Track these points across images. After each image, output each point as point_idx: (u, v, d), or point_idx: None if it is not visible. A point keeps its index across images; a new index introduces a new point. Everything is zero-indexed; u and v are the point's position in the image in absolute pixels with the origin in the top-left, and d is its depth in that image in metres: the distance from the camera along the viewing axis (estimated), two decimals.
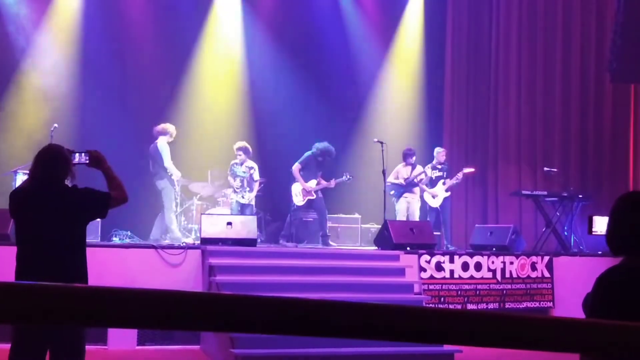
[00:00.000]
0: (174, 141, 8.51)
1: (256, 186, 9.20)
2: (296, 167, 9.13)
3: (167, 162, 8.45)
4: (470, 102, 11.81)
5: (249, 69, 11.61)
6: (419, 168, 9.59)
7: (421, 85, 12.22)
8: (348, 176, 9.25)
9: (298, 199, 9.09)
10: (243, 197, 9.02)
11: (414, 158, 9.59)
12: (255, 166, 9.20)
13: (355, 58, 12.05)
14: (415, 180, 9.51)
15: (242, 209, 9.00)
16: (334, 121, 11.68)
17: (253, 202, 9.29)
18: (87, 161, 3.63)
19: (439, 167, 9.79)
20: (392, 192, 9.45)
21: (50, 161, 3.52)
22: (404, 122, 12.00)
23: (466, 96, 11.84)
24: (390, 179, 9.48)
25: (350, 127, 11.94)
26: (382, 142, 8.94)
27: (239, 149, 9.11)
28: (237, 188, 8.99)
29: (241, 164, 9.06)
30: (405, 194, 9.54)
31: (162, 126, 8.55)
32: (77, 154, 3.63)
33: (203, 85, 11.11)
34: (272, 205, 10.82)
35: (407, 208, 9.52)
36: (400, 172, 9.62)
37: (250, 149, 9.22)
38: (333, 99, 11.82)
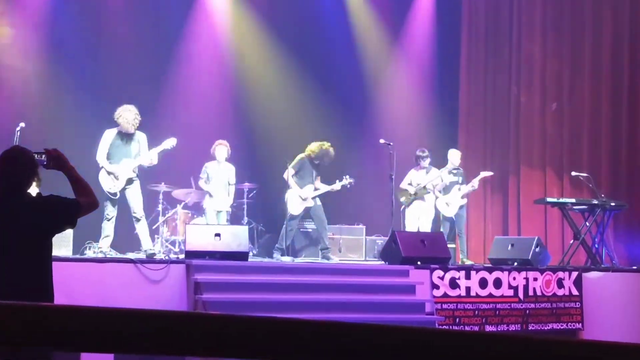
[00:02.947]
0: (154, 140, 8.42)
1: (232, 191, 9.12)
2: (289, 172, 9.09)
3: (98, 154, 7.73)
4: (488, 99, 11.82)
5: (240, 61, 11.62)
6: (434, 172, 9.57)
7: (433, 80, 12.23)
8: (349, 180, 9.21)
9: (294, 207, 9.07)
10: (220, 204, 8.92)
11: (427, 161, 9.56)
12: (233, 168, 9.10)
13: (360, 50, 12.06)
14: (429, 186, 9.48)
15: (219, 218, 8.91)
16: (336, 120, 11.66)
17: (229, 210, 9.17)
18: (45, 162, 3.56)
19: (454, 171, 9.78)
20: (402, 199, 9.43)
21: (13, 166, 3.50)
22: (414, 121, 12.00)
23: (484, 92, 11.84)
24: (403, 184, 9.46)
25: (354, 126, 11.92)
26: (389, 143, 8.92)
27: (218, 147, 8.96)
28: (213, 193, 8.88)
29: (218, 165, 8.97)
30: (417, 201, 9.53)
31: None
32: (34, 155, 3.54)
33: (187, 80, 11.10)
34: (265, 214, 10.78)
35: (418, 217, 9.51)
36: (413, 177, 9.60)
37: (229, 149, 9.07)
38: (335, 95, 11.80)
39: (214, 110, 11.09)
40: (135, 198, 7.77)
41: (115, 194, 7.68)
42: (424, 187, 9.46)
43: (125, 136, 7.80)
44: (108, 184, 7.67)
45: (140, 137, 7.91)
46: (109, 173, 7.68)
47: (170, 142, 7.96)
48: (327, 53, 11.85)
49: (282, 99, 11.61)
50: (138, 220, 7.74)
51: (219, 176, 8.95)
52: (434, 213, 9.61)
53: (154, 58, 10.90)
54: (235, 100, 11.47)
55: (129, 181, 7.72)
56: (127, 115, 7.75)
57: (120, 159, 7.75)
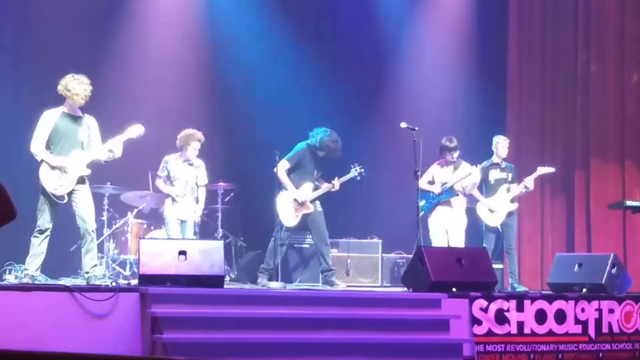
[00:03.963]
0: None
1: (203, 194, 9.08)
2: (283, 166, 9.04)
3: (32, 143, 7.63)
4: (547, 69, 11.77)
5: (216, 21, 11.57)
6: (464, 167, 9.55)
7: (472, 45, 12.20)
8: (358, 170, 9.19)
9: (288, 216, 9.03)
10: (186, 211, 8.83)
11: (456, 153, 9.55)
12: (202, 164, 9.04)
13: (376, 8, 12.04)
14: (458, 186, 9.47)
15: (185, 230, 8.83)
16: (344, 100, 11.63)
17: (198, 219, 9.12)
18: None
19: (501, 165, 9.77)
20: (422, 203, 9.41)
21: None
22: (445, 101, 11.97)
23: (541, 59, 11.80)
24: (422, 183, 9.43)
25: (366, 106, 11.90)
26: (413, 129, 8.91)
27: (193, 144, 8.85)
28: (177, 196, 8.77)
29: (187, 161, 8.87)
30: (441, 207, 9.51)
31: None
32: None
33: (143, 48, 11.07)
34: (246, 225, 10.76)
35: (446, 228, 9.49)
36: (436, 174, 9.59)
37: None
38: (342, 67, 11.78)
39: (177, 87, 11.07)
40: (86, 204, 7.67)
41: (62, 198, 7.54)
42: (451, 187, 9.45)
43: (72, 119, 7.73)
44: (54, 182, 7.53)
45: (90, 122, 7.83)
46: (54, 168, 7.59)
47: (136, 130, 7.86)
48: (332, 12, 11.83)
49: (272, 72, 11.57)
50: (90, 235, 7.66)
51: (185, 175, 8.87)
52: (466, 221, 9.59)
53: (98, 19, 10.86)
54: (206, 73, 11.43)
55: (80, 180, 7.64)
56: (76, 87, 7.63)
57: (68, 150, 7.64)
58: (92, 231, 7.69)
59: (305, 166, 9.12)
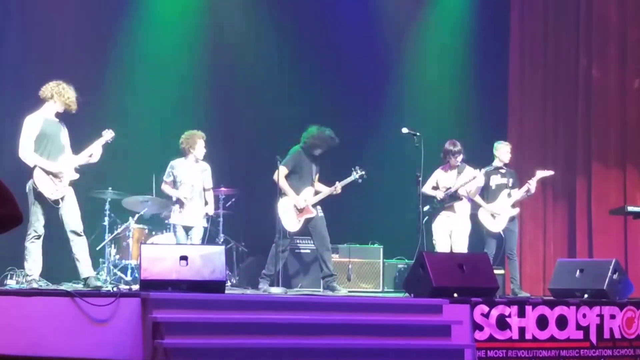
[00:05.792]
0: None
1: (211, 197, 9.10)
2: (281, 172, 9.02)
3: (21, 149, 7.61)
4: (548, 74, 11.78)
5: (217, 27, 11.59)
6: (468, 172, 9.55)
7: (474, 50, 12.21)
8: (359, 172, 9.18)
9: (290, 222, 9.02)
10: (195, 217, 8.82)
11: (460, 157, 9.55)
12: (209, 168, 9.09)
13: (377, 13, 12.05)
14: (462, 191, 9.47)
15: (193, 236, 8.81)
16: (345, 103, 11.64)
17: (206, 225, 9.13)
18: None
19: (502, 171, 9.76)
20: (425, 208, 9.41)
21: None
22: (447, 106, 11.98)
23: (542, 64, 11.81)
24: (426, 188, 9.44)
25: (368, 111, 11.90)
26: (415, 134, 8.91)
27: (199, 141, 8.87)
28: (185, 199, 8.73)
29: (196, 162, 8.88)
30: (445, 212, 9.51)
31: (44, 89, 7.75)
32: None
33: (144, 52, 11.09)
34: (247, 230, 10.75)
35: (450, 234, 9.49)
36: (440, 179, 9.59)
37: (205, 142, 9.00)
38: (343, 72, 11.79)
39: (178, 93, 11.08)
40: (73, 207, 7.73)
41: (57, 202, 7.59)
42: (455, 192, 9.44)
43: (55, 124, 7.77)
44: (50, 187, 7.57)
45: (64, 127, 7.91)
46: (48, 173, 7.58)
47: (108, 135, 7.94)
48: (333, 16, 11.84)
49: (273, 78, 11.58)
50: (79, 236, 7.69)
51: (192, 180, 8.86)
52: (470, 227, 9.58)
53: (99, 22, 10.87)
54: (207, 78, 11.44)
55: (69, 184, 7.73)
56: (68, 92, 7.69)
57: (55, 155, 7.69)
58: (81, 232, 7.74)
59: (303, 169, 9.10)
